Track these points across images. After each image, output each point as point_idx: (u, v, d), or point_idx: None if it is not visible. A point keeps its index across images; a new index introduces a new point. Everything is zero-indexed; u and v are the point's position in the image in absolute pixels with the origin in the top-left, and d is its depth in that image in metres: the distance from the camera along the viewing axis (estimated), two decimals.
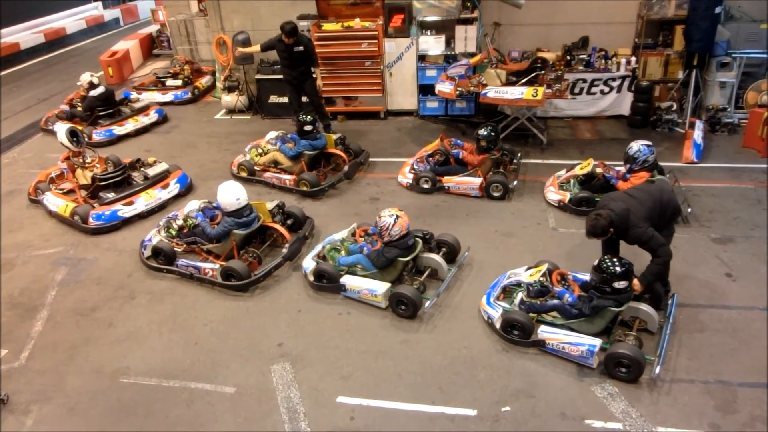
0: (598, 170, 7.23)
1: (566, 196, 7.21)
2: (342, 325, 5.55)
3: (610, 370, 4.69)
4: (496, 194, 7.56)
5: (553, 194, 7.38)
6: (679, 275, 5.87)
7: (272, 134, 8.93)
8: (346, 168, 8.27)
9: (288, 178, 8.08)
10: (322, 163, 8.43)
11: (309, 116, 7.99)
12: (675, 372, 4.76)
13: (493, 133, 7.69)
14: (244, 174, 8.41)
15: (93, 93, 10.32)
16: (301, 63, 9.03)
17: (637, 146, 6.74)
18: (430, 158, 8.14)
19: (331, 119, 10.16)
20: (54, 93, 13.51)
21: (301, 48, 8.87)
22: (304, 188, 7.88)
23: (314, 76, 9.29)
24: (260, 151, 8.58)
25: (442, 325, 5.47)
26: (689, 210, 6.88)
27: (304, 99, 9.44)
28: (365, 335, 5.40)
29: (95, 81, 10.43)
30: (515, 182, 7.75)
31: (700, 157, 8.27)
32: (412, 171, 8.05)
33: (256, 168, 8.41)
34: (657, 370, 4.59)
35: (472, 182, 7.62)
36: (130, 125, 10.43)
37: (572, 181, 7.45)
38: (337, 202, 7.80)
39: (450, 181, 7.76)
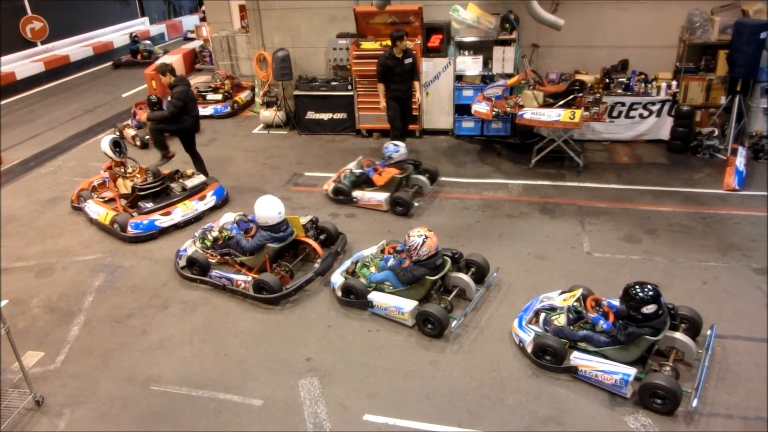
0: (362, 160, 8.46)
1: (330, 188, 8.22)
2: (371, 342, 5.54)
3: (645, 401, 4.55)
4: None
5: (326, 186, 8.37)
6: (719, 305, 5.71)
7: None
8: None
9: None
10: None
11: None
12: (713, 406, 4.60)
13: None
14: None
15: None
16: (411, 76, 9.03)
17: (386, 144, 8.08)
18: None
19: (367, 136, 10.50)
20: (99, 104, 13.98)
21: (410, 60, 8.85)
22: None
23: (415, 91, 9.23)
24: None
25: (469, 346, 5.41)
26: (416, 204, 7.87)
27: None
28: (393, 354, 5.38)
29: None
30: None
31: (742, 184, 8.06)
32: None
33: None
34: (694, 403, 4.44)
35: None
36: None
37: (343, 174, 8.38)
38: (371, 219, 7.83)
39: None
